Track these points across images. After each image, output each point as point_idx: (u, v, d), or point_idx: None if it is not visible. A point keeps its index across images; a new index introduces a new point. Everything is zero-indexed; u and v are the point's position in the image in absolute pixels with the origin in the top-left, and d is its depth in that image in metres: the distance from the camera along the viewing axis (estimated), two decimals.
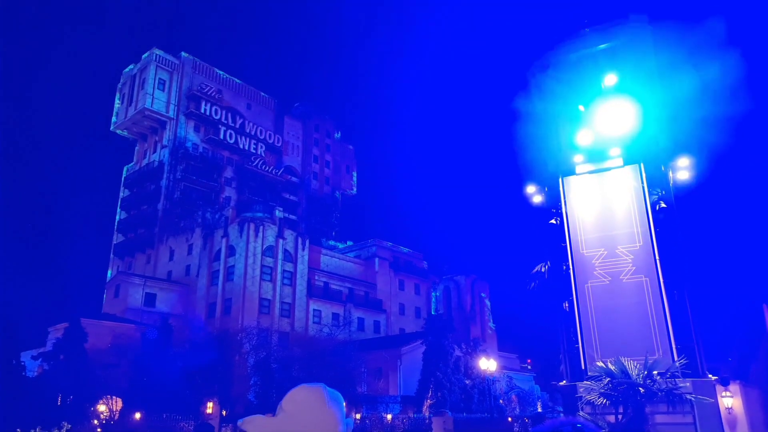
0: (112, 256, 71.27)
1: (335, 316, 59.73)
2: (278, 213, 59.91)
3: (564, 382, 24.43)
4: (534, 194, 27.14)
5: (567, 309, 25.30)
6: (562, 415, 26.99)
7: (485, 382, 36.24)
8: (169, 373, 33.22)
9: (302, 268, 58.55)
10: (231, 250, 55.69)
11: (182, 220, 63.94)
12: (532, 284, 27.29)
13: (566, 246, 25.43)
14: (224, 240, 56.33)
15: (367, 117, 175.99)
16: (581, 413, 20.70)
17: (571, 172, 26.41)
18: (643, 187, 24.71)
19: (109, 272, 69.42)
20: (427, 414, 34.36)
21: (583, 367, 23.17)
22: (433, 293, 71.54)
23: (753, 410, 24.11)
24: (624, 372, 19.79)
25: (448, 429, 29.59)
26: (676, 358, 21.45)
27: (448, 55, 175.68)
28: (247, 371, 38.02)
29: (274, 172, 78.45)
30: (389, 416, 35.31)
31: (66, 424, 31.50)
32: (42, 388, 32.08)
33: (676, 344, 22.16)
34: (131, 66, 75.20)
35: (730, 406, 22.63)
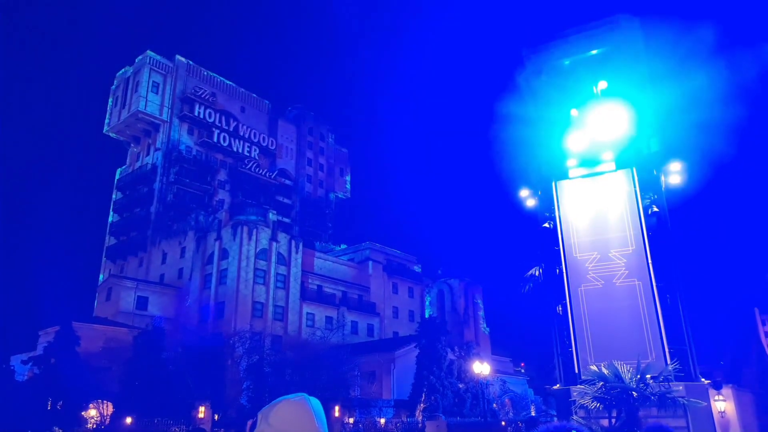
0: (104, 259, 70.76)
1: (329, 319, 59.54)
2: (272, 216, 59.71)
3: (558, 385, 24.45)
4: (527, 198, 27.21)
5: (560, 312, 25.35)
6: (555, 419, 27.01)
7: (478, 386, 36.20)
8: (160, 377, 32.98)
9: (295, 271, 58.35)
10: (224, 253, 55.42)
11: (175, 223, 63.60)
12: (526, 287, 27.35)
13: (560, 250, 25.50)
14: (217, 243, 56.07)
15: (360, 120, 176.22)
16: (575, 417, 20.72)
17: (565, 176, 26.51)
18: (635, 192, 24.84)
19: (101, 275, 68.89)
20: (420, 418, 34.28)
21: (576, 371, 23.19)
22: (426, 296, 71.51)
23: (745, 414, 24.23)
24: (617, 376, 19.83)
25: None
26: (668, 361, 21.52)
27: (442, 58, 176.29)
28: (240, 375, 37.79)
29: (267, 175, 78.27)
30: (382, 420, 35.19)
31: (57, 428, 31.16)
32: (32, 393, 31.74)
33: (668, 348, 22.24)
34: (125, 69, 74.90)
35: (722, 410, 22.72)
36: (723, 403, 22.85)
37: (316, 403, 2.16)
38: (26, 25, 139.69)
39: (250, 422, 2.18)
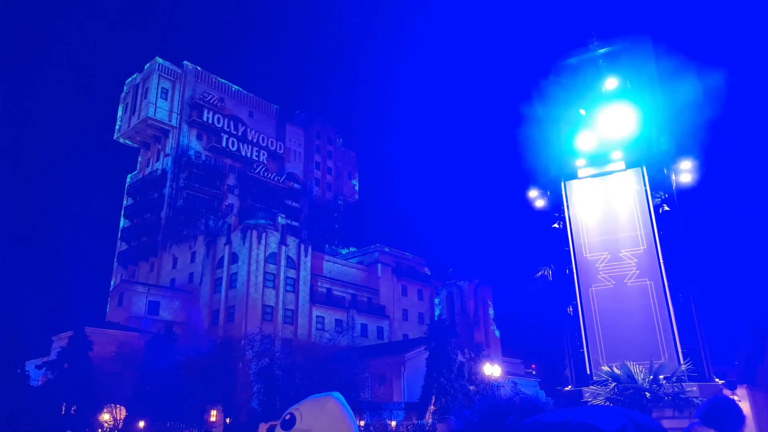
0: (115, 264, 71.40)
1: (338, 322, 59.60)
2: (281, 220, 59.94)
3: (569, 387, 24.28)
4: (536, 198, 27.08)
5: (571, 313, 25.18)
6: None
7: (489, 388, 36.04)
8: (172, 381, 33.20)
9: (305, 274, 58.51)
10: (234, 258, 55.71)
11: (185, 228, 64.05)
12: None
13: (569, 250, 25.36)
14: (227, 247, 56.37)
15: (368, 123, 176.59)
16: None
17: (573, 176, 26.37)
18: (645, 190, 24.64)
19: (112, 281, 69.52)
20: (430, 420, 34.19)
21: (588, 372, 23.02)
22: (436, 298, 71.37)
23: (761, 413, 23.90)
24: (630, 376, 19.69)
25: None
26: (682, 361, 21.31)
27: (450, 60, 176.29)
28: (251, 378, 37.93)
29: (276, 179, 78.63)
30: (393, 423, 35.15)
31: None
32: (46, 397, 32.09)
33: (681, 348, 22.01)
34: (134, 75, 75.68)
35: None
36: (738, 404, 22.53)
37: (345, 402, 2.14)
38: (36, 33, 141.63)
39: (264, 426, 2.18)
